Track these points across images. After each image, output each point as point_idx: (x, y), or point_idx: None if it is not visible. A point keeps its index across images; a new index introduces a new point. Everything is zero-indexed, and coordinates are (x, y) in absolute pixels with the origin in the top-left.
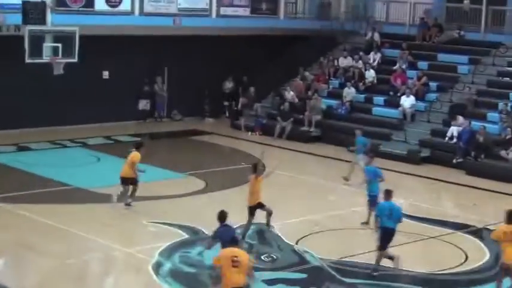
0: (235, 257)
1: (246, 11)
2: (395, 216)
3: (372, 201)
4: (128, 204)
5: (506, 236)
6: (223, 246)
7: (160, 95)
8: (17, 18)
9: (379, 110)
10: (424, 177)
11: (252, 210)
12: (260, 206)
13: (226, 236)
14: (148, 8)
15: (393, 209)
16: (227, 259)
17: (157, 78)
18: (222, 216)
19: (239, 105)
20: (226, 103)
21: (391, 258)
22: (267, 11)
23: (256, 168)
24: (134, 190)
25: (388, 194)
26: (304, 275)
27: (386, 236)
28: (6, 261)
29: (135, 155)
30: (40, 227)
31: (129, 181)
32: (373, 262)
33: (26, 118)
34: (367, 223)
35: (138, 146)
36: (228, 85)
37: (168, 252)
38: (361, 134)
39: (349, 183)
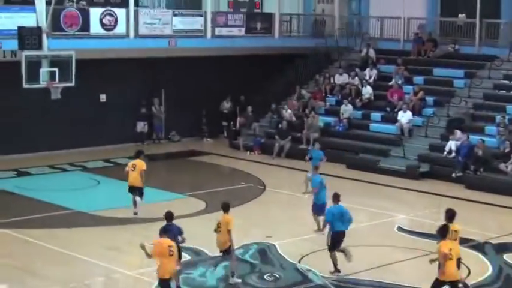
0: (170, 246)
1: (241, 31)
2: (346, 218)
3: (321, 209)
4: (136, 214)
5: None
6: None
7: (158, 116)
8: (13, 44)
9: (377, 126)
10: (424, 192)
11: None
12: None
13: (170, 234)
14: (143, 30)
15: (343, 212)
16: (164, 249)
17: (155, 99)
18: (169, 216)
19: (237, 125)
20: (224, 123)
21: (343, 251)
22: (262, 31)
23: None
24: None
25: (336, 197)
26: None
27: (338, 238)
28: (8, 287)
29: (141, 163)
30: (41, 251)
31: (137, 190)
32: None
33: (25, 143)
34: (319, 230)
35: (138, 154)
36: (226, 105)
37: None
38: (318, 148)
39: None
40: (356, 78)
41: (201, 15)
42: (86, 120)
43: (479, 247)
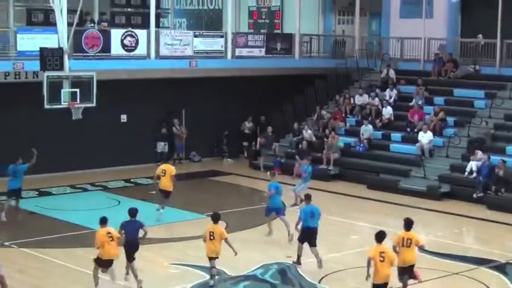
0: (109, 233)
1: (261, 52)
2: (316, 216)
3: (272, 211)
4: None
5: (403, 242)
6: (127, 236)
7: (179, 136)
8: (35, 65)
9: (397, 147)
10: (445, 212)
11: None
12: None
13: (129, 228)
14: (164, 51)
15: (314, 211)
16: (104, 236)
17: (174, 120)
18: (132, 212)
19: (257, 145)
20: (245, 143)
21: (318, 259)
22: (282, 51)
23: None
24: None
25: (308, 198)
26: None
27: (309, 233)
28: None
29: (171, 168)
30: (61, 270)
31: (167, 194)
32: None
33: (47, 163)
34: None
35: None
36: (247, 125)
37: None
38: (308, 164)
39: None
40: (376, 98)
41: (222, 36)
42: (106, 141)
43: (501, 268)
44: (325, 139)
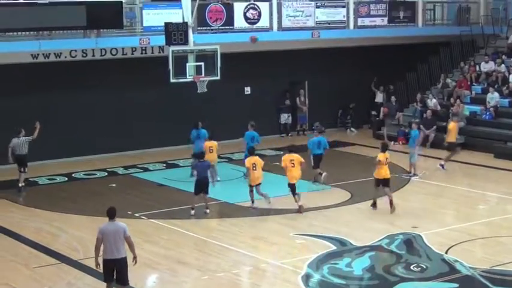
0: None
1: (384, 21)
2: (323, 145)
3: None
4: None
5: (386, 160)
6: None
7: (300, 108)
8: (160, 40)
9: None
10: None
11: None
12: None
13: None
14: (286, 22)
15: (321, 141)
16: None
17: (301, 91)
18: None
19: (381, 115)
20: (374, 112)
21: (320, 174)
22: (405, 20)
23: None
24: None
25: (317, 130)
26: (455, 285)
27: (316, 159)
28: (158, 274)
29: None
30: (190, 241)
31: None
32: None
33: (174, 136)
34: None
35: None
36: (380, 94)
37: (317, 264)
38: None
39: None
40: (502, 65)
41: (344, 6)
42: (230, 113)
43: None
44: (450, 108)
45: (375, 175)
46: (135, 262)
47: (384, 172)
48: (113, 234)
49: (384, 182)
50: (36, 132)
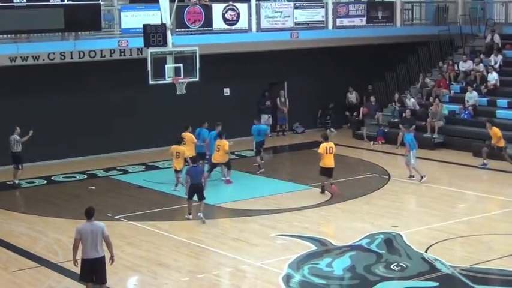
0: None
1: (362, 21)
2: (262, 132)
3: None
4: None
5: (330, 150)
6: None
7: (281, 109)
8: (139, 42)
9: (503, 113)
10: None
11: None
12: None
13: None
14: (265, 23)
15: (260, 129)
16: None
17: (281, 92)
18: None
19: (360, 115)
20: (347, 113)
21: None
22: (383, 20)
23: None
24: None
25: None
26: (435, 284)
27: (258, 145)
28: (139, 277)
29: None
30: (170, 243)
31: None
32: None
33: (152, 138)
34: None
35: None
36: (351, 96)
37: (297, 265)
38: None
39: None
40: (481, 64)
41: (322, 7)
42: (210, 114)
43: None
44: (429, 107)
45: (320, 164)
46: (112, 262)
47: (328, 161)
48: (90, 234)
49: (327, 171)
50: (27, 137)
